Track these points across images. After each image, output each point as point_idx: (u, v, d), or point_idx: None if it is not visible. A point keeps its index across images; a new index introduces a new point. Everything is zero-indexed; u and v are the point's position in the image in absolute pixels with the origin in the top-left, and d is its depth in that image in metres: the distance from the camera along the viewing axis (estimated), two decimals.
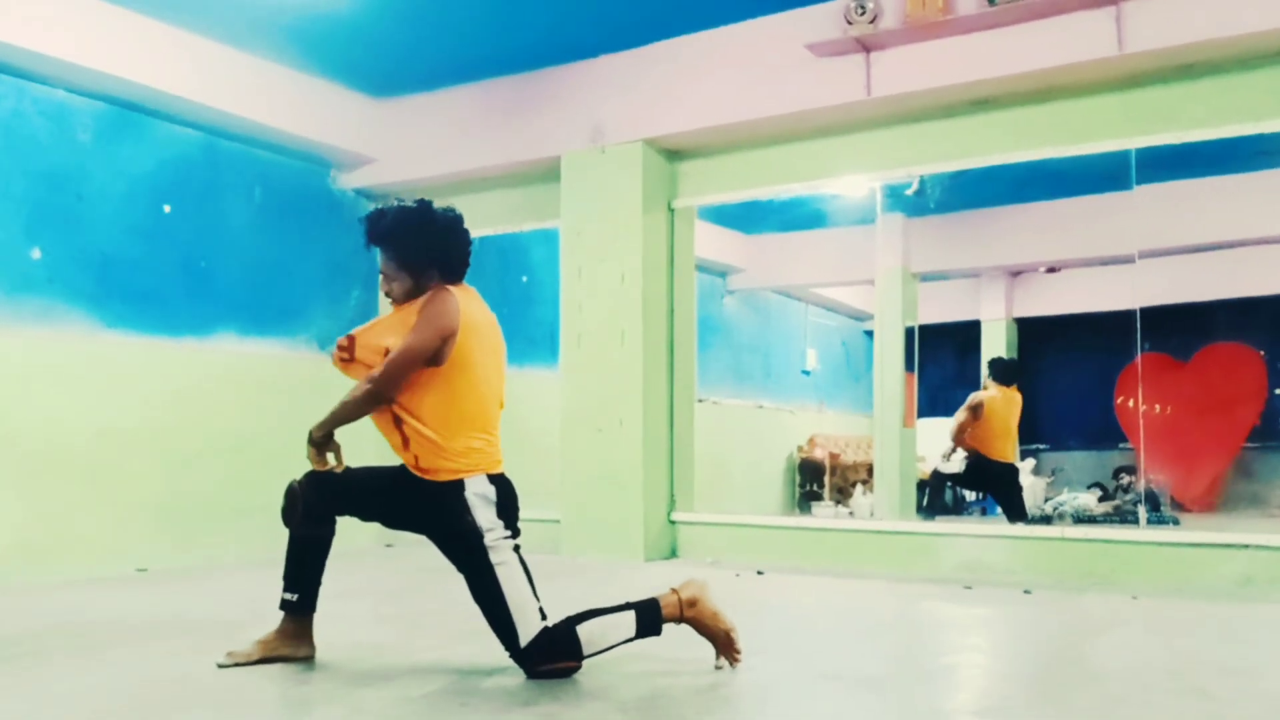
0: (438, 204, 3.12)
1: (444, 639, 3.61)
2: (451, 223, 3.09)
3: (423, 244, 3.03)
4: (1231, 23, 4.64)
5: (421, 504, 2.99)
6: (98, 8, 5.36)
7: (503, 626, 2.88)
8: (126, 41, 5.49)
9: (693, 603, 2.97)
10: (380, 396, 2.93)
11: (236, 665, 3.07)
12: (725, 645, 3.02)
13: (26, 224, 5.32)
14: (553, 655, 2.87)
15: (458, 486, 2.92)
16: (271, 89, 6.28)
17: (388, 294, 3.09)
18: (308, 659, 3.15)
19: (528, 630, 2.85)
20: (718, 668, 3.01)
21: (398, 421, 2.96)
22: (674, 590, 2.98)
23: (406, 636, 3.69)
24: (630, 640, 2.91)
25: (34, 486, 5.13)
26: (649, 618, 2.93)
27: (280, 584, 3.16)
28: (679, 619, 2.97)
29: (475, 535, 2.89)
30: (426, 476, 2.96)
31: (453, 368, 2.93)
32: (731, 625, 3.02)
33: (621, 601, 2.96)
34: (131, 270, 5.77)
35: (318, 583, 3.17)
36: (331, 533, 3.18)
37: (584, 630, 2.88)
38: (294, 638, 3.15)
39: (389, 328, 2.99)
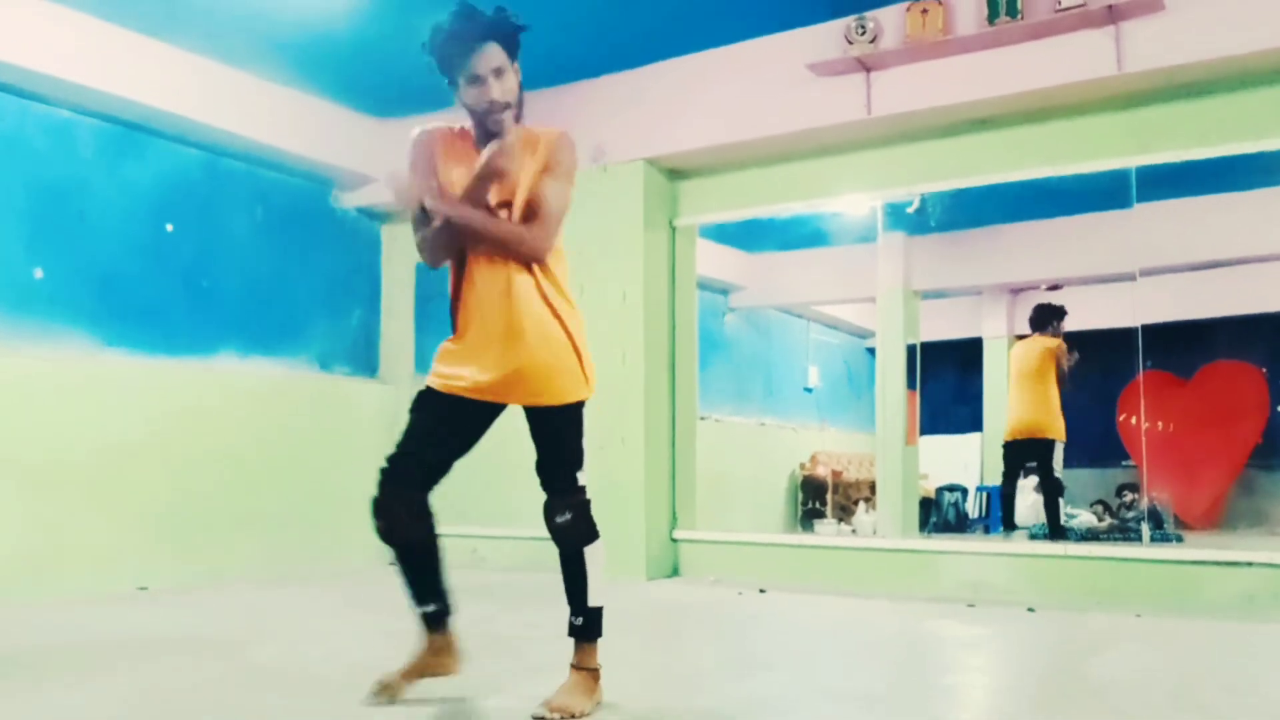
0: None
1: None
2: None
3: (519, 33, 2.75)
4: (1230, 42, 4.66)
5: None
6: (99, 27, 5.39)
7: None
8: (128, 61, 5.52)
9: (595, 679, 2.83)
10: (531, 254, 2.70)
11: (391, 701, 2.85)
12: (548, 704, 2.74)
13: (28, 243, 5.34)
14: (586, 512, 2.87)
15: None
16: (273, 108, 6.31)
17: (489, 99, 2.68)
18: (455, 673, 2.93)
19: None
20: None
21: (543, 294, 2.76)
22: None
23: (410, 652, 3.67)
24: (582, 605, 2.85)
25: (35, 504, 5.13)
26: (596, 621, 2.87)
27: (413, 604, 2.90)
28: (583, 666, 2.84)
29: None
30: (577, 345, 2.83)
31: None
32: None
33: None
34: (133, 289, 5.79)
35: (444, 580, 2.91)
36: (434, 526, 2.87)
37: (600, 547, 2.91)
38: (440, 652, 2.92)
39: (522, 184, 2.72)
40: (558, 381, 2.78)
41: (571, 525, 2.82)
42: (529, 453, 2.87)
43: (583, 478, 2.86)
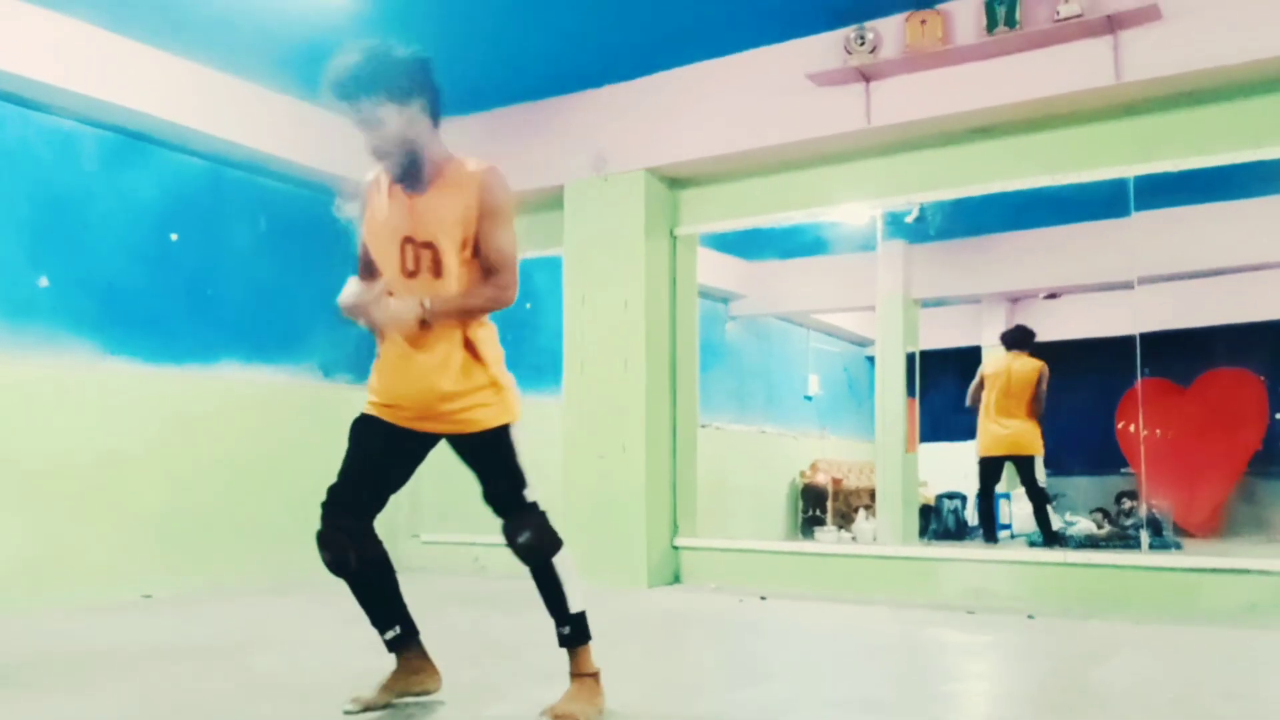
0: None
1: (445, 666, 3.60)
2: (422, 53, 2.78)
3: (413, 71, 2.73)
4: (1228, 51, 4.68)
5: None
6: (102, 37, 5.42)
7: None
8: (131, 71, 5.55)
9: (596, 681, 2.84)
10: (506, 306, 2.77)
11: (366, 712, 2.85)
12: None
13: (32, 251, 5.36)
14: (546, 526, 2.82)
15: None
16: (276, 118, 6.33)
17: (369, 147, 2.79)
18: (435, 690, 2.96)
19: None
20: None
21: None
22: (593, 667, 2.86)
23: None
24: (565, 614, 2.81)
25: (37, 512, 5.14)
26: (583, 626, 2.84)
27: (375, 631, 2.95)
28: (582, 672, 2.84)
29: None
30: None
31: None
32: None
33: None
34: (136, 297, 5.80)
35: (403, 603, 2.95)
36: (383, 552, 2.91)
37: (567, 556, 2.83)
38: (417, 670, 2.96)
39: (446, 222, 2.73)
40: (472, 412, 2.78)
41: (534, 541, 2.79)
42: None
43: (532, 494, 2.82)
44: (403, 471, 2.89)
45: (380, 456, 2.83)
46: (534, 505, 2.82)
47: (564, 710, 2.73)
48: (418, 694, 2.94)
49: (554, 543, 2.81)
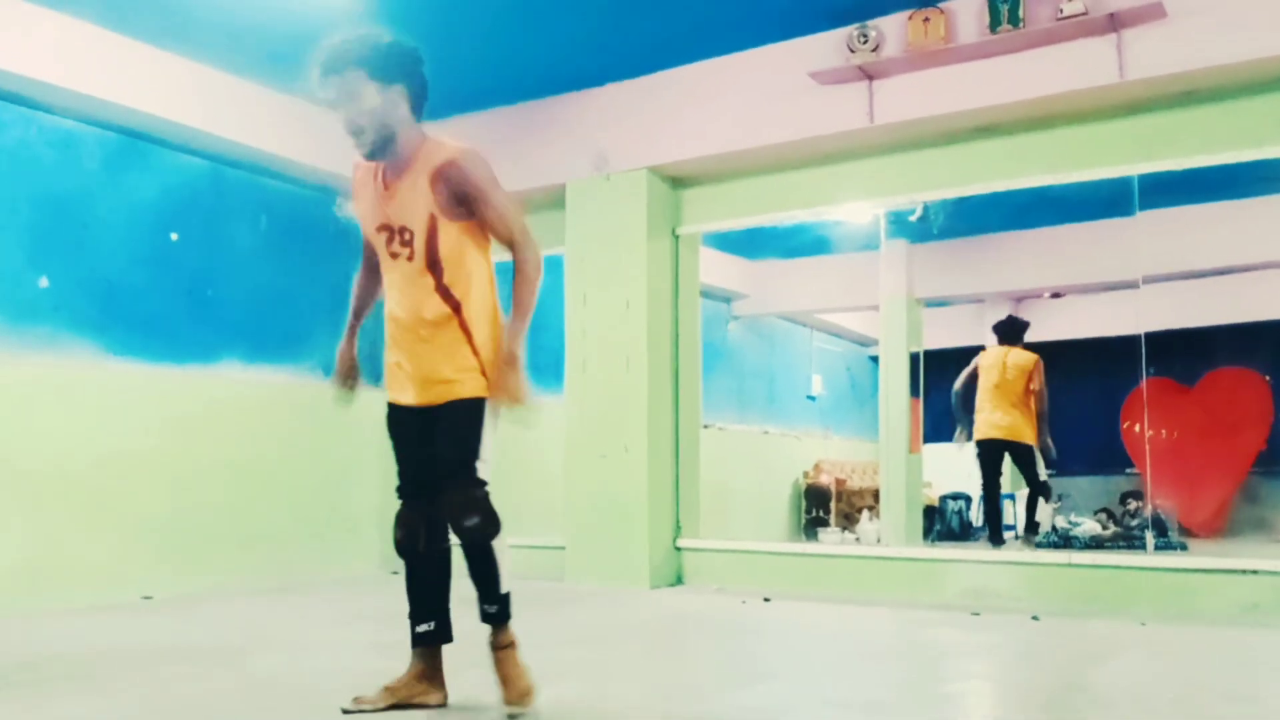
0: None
1: (447, 666, 3.59)
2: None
3: (399, 57, 2.80)
4: (1231, 50, 4.66)
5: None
6: (104, 37, 5.42)
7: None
8: (133, 71, 5.55)
9: (515, 649, 2.87)
10: (540, 263, 2.84)
11: (361, 712, 2.83)
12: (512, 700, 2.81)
13: (32, 252, 5.35)
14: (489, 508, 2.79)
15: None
16: (277, 117, 6.33)
17: (351, 126, 2.78)
18: (440, 706, 2.90)
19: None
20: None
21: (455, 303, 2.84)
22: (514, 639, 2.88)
23: (406, 664, 3.67)
24: (495, 594, 2.83)
25: (38, 513, 5.13)
26: (508, 605, 2.86)
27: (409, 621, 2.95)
28: (502, 643, 2.87)
29: None
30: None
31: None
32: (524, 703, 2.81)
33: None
34: (137, 298, 5.79)
35: (448, 604, 2.96)
36: (448, 547, 2.95)
37: (504, 538, 2.83)
38: (428, 679, 2.93)
39: (417, 206, 2.80)
40: (453, 386, 2.81)
41: (480, 525, 2.77)
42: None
43: (485, 471, 2.80)
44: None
45: (419, 440, 2.88)
46: (481, 482, 2.79)
47: (521, 689, 2.77)
48: (419, 704, 2.91)
49: (497, 526, 2.80)
